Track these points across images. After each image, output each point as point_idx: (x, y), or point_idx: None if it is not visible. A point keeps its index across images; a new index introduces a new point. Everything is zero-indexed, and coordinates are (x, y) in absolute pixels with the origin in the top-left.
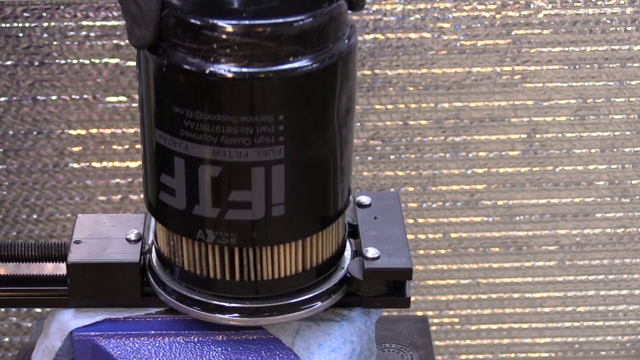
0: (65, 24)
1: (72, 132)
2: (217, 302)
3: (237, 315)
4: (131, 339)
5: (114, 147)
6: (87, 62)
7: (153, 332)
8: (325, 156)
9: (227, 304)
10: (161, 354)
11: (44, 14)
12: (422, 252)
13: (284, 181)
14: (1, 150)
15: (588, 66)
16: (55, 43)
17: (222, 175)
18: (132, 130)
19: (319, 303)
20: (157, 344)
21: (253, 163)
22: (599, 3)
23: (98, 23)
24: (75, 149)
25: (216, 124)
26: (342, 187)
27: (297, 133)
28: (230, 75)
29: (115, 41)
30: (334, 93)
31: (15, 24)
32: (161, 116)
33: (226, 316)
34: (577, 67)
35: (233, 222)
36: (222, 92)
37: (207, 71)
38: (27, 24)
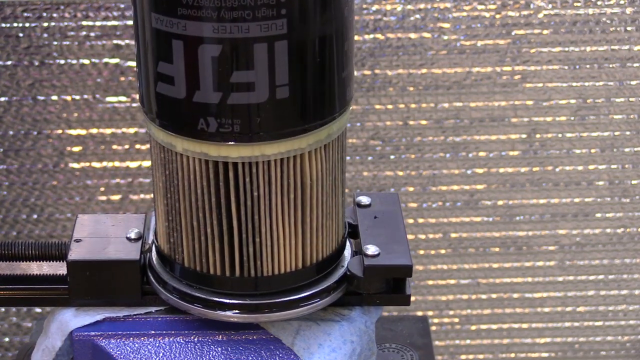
0: (65, 24)
1: (72, 132)
2: (217, 299)
3: (237, 311)
4: (131, 339)
5: (114, 147)
6: (87, 62)
7: (153, 332)
8: (328, 35)
9: (227, 301)
10: (161, 354)
11: (44, 14)
12: (422, 252)
13: (288, 59)
14: (1, 150)
15: (588, 66)
16: (55, 43)
17: (223, 55)
18: (132, 130)
19: (319, 300)
20: (157, 344)
21: (255, 39)
22: (599, 3)
23: (98, 23)
24: (75, 149)
25: None
26: (345, 75)
27: (299, 6)
28: None
29: (115, 41)
30: None
31: (15, 24)
32: None
33: (226, 313)
34: (577, 67)
35: (236, 107)
36: None
37: None
38: (27, 24)
